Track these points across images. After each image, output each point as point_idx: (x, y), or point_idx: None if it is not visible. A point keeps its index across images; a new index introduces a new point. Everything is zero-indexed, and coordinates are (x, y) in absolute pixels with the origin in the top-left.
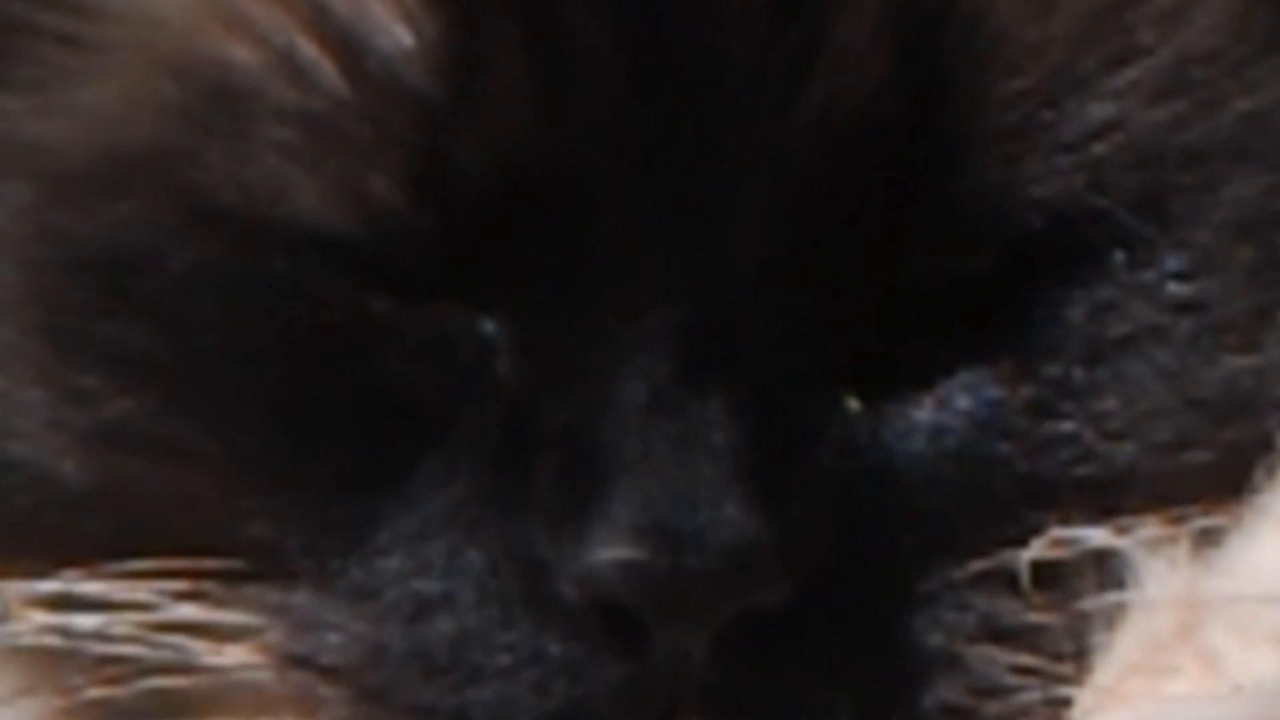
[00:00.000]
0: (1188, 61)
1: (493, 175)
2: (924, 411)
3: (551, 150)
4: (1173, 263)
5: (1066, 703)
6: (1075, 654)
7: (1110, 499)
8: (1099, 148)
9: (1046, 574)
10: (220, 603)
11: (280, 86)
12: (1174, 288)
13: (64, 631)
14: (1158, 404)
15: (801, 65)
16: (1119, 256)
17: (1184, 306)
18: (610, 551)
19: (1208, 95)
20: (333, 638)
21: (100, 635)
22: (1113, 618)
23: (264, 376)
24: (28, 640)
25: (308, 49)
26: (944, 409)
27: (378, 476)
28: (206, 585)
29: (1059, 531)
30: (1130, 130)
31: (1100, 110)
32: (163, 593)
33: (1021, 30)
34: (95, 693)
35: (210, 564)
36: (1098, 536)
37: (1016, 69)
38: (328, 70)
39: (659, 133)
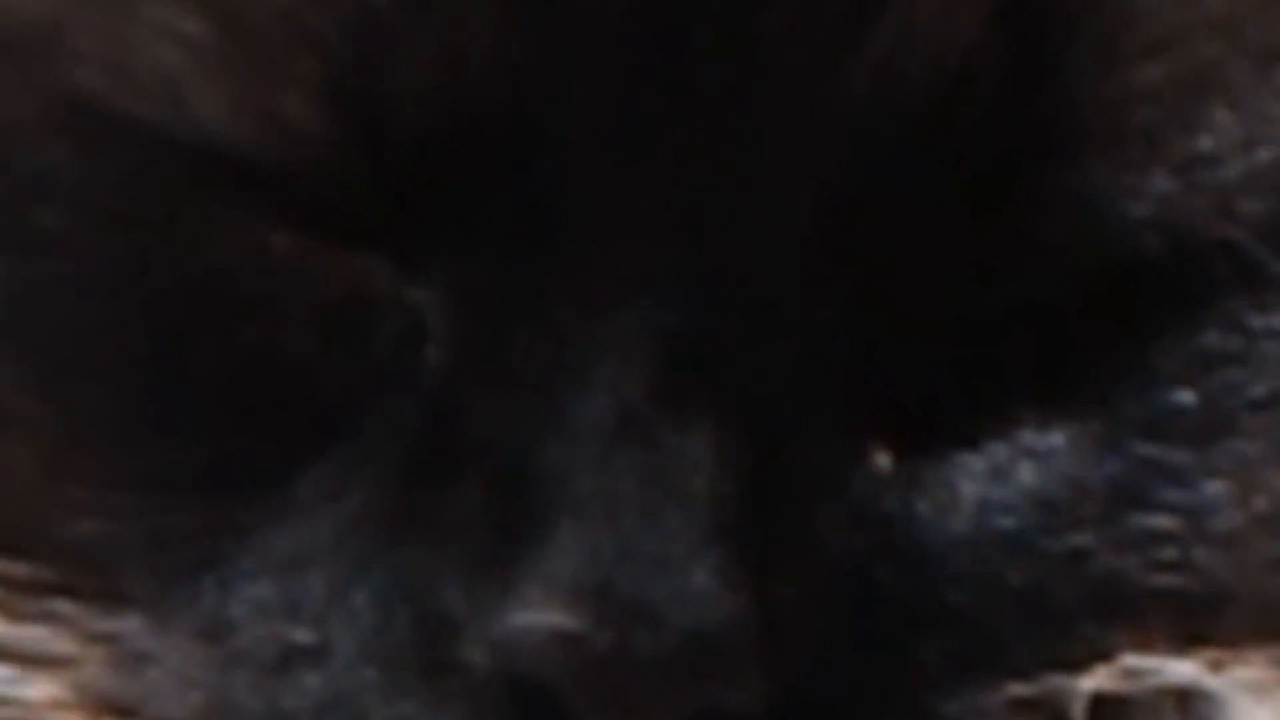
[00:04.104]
0: None
1: (441, 106)
2: (973, 480)
3: (522, 81)
4: None
5: None
6: None
7: (1203, 622)
8: (1235, 165)
9: (1110, 711)
10: (25, 619)
11: None
12: None
13: None
14: None
15: (862, 8)
16: (1244, 297)
17: None
18: (538, 614)
19: None
20: (166, 683)
21: None
22: None
23: (120, 322)
24: None
25: None
26: (999, 480)
27: (251, 475)
28: (11, 595)
29: (1133, 658)
30: (1274, 146)
31: (1245, 119)
32: None
33: (1163, 8)
34: None
35: (17, 568)
36: (1183, 670)
37: (1150, 56)
38: None
39: (666, 78)
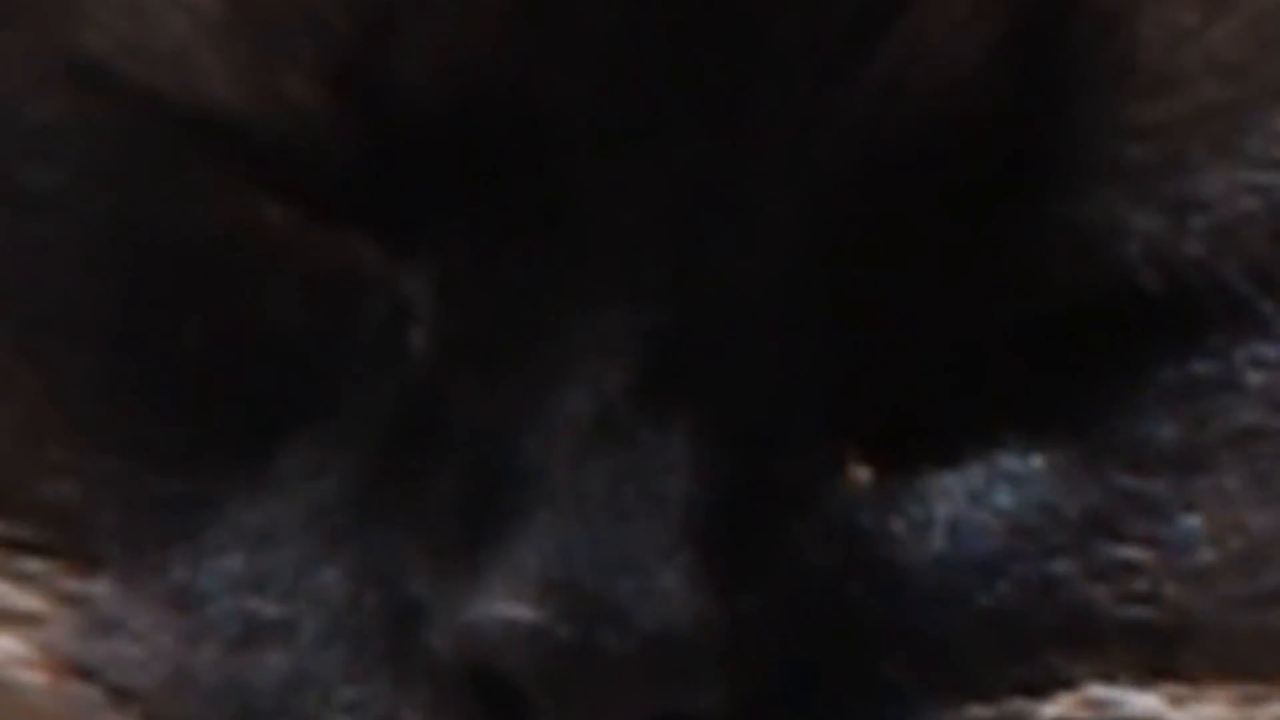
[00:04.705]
0: None
1: (443, 94)
2: (950, 500)
3: (524, 75)
4: None
5: None
6: None
7: (1168, 656)
8: (1231, 207)
9: None
10: None
11: None
12: None
13: None
14: (1259, 538)
15: (870, 22)
16: (1232, 332)
17: None
18: (503, 606)
19: None
20: (131, 649)
21: None
22: None
23: (108, 286)
24: None
25: None
26: (976, 502)
27: (228, 448)
28: None
29: (1096, 689)
30: (1271, 191)
31: (1244, 162)
32: None
33: (1170, 49)
34: None
35: None
36: (1145, 703)
37: (1154, 94)
38: None
39: (668, 81)
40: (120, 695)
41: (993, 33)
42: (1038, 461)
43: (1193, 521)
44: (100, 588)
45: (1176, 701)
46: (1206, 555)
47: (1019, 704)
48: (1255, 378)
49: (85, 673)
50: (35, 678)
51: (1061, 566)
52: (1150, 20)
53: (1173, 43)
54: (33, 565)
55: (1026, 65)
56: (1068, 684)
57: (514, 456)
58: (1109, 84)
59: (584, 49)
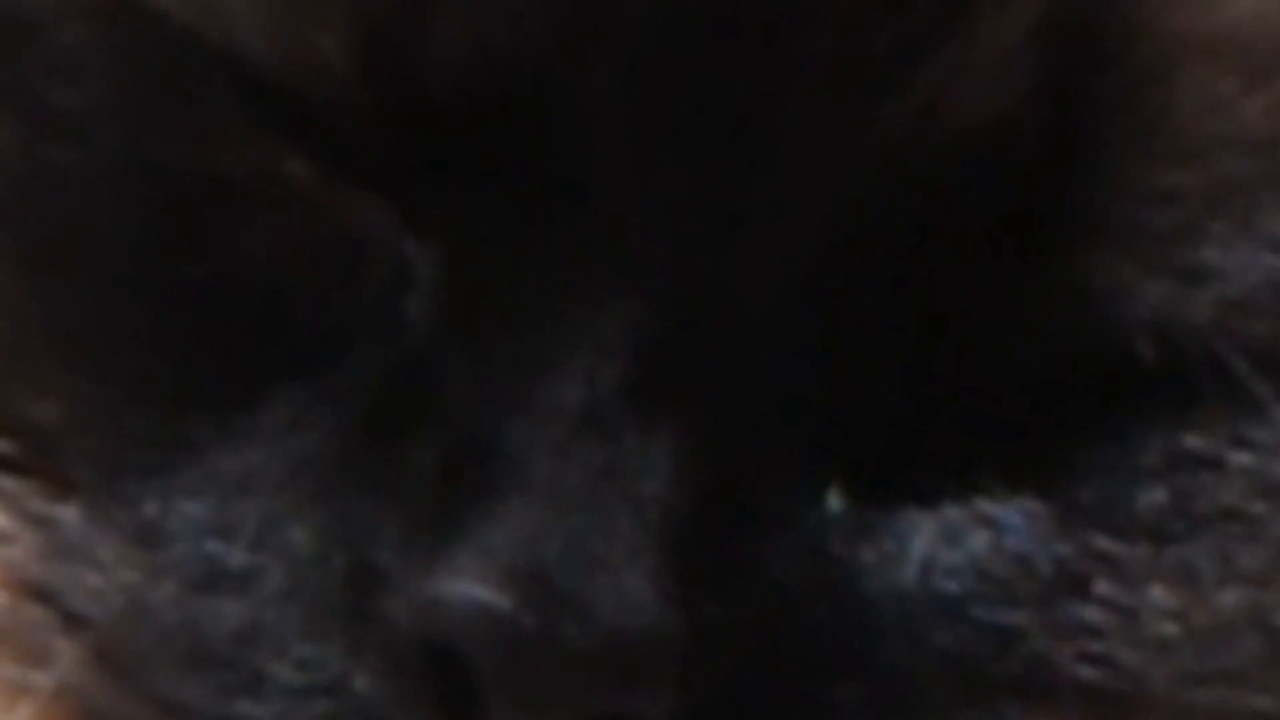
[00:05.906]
0: None
1: (470, 71)
2: (923, 538)
3: (552, 64)
4: None
5: None
6: None
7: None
8: (1238, 283)
9: None
10: None
11: None
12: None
13: None
14: (1222, 617)
15: (907, 51)
16: (1224, 413)
17: None
18: (467, 586)
19: None
20: (91, 577)
21: None
22: None
23: (118, 215)
24: None
25: None
26: (948, 543)
27: (214, 393)
28: None
29: None
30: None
31: (1259, 239)
32: None
33: (1201, 117)
34: None
35: None
36: None
37: (1179, 162)
38: None
39: (700, 87)
40: (74, 621)
41: (1027, 78)
42: (1014, 511)
43: (1159, 592)
44: (69, 513)
45: None
46: (1168, 628)
47: None
48: (1241, 458)
49: (43, 596)
50: None
51: (1025, 618)
52: (1186, 85)
53: (1205, 111)
54: (6, 483)
55: (1055, 116)
56: None
57: (497, 438)
58: (1134, 145)
59: (618, 41)
